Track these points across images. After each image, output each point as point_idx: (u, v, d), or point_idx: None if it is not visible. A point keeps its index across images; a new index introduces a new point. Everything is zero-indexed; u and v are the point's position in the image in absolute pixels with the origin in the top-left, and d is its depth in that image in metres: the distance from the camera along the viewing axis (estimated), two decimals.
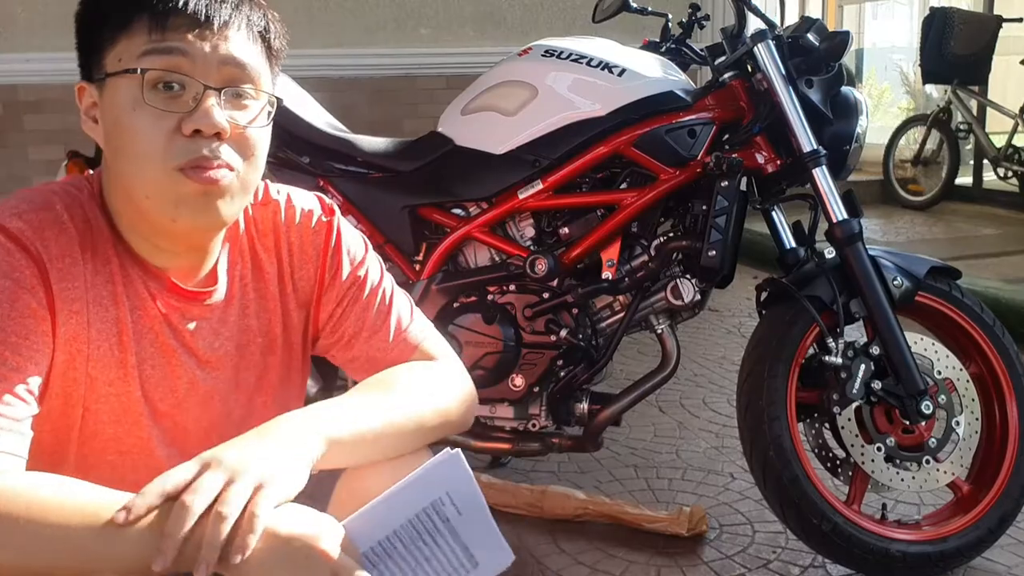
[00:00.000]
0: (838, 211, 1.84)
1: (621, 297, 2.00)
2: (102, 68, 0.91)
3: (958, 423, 1.85)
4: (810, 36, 1.88)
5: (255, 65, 0.93)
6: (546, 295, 1.98)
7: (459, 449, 0.92)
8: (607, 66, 1.95)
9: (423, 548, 0.90)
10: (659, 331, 2.00)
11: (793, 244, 1.99)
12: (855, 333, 1.88)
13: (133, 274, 0.95)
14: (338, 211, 1.11)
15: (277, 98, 0.97)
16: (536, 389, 2.00)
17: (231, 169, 0.91)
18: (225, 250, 1.03)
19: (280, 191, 1.09)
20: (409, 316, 1.11)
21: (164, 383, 0.97)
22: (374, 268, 1.11)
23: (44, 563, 0.78)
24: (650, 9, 2.44)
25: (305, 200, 1.10)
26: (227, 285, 1.02)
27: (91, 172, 0.99)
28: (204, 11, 0.89)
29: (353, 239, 1.11)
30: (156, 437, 0.98)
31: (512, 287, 2.00)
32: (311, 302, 1.09)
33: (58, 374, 0.90)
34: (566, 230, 1.98)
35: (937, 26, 5.29)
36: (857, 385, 1.79)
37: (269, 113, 0.96)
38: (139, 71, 0.88)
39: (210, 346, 1.00)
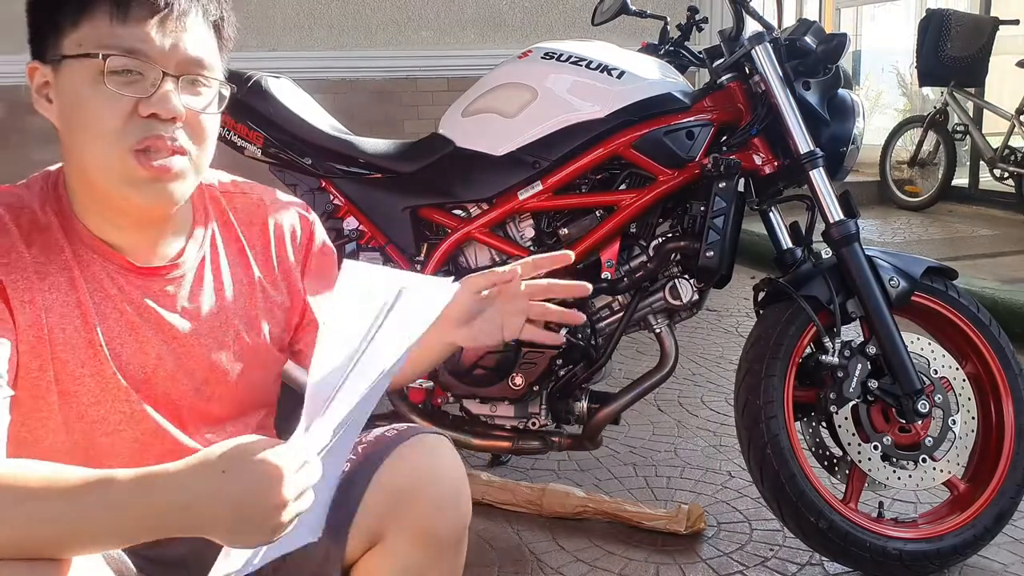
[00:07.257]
0: (835, 212, 1.86)
1: (620, 297, 2.01)
2: (59, 50, 0.93)
3: (954, 422, 1.87)
4: (807, 38, 1.89)
5: (209, 53, 0.98)
6: None
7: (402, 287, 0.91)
8: (606, 68, 1.96)
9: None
10: (658, 331, 2.02)
11: (790, 244, 2.00)
12: (852, 333, 1.89)
13: (88, 258, 0.98)
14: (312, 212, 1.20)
15: (232, 86, 1.01)
16: (536, 388, 2.01)
17: (183, 154, 0.96)
18: (198, 235, 1.07)
19: (264, 188, 1.17)
20: None
21: (135, 359, 1.00)
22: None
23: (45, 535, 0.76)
24: (649, 12, 2.45)
25: (288, 197, 1.19)
26: (196, 266, 1.06)
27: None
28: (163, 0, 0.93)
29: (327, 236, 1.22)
30: (140, 412, 1.00)
31: None
32: (295, 283, 1.16)
33: (23, 364, 0.93)
34: (566, 231, 1.99)
35: (934, 28, 5.30)
36: (854, 384, 1.80)
37: (221, 100, 1.00)
38: (100, 56, 0.91)
39: (177, 321, 1.03)
